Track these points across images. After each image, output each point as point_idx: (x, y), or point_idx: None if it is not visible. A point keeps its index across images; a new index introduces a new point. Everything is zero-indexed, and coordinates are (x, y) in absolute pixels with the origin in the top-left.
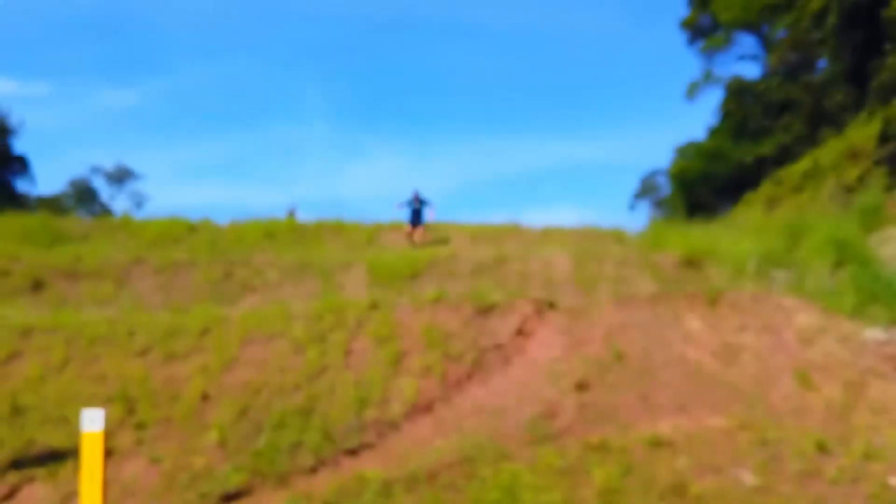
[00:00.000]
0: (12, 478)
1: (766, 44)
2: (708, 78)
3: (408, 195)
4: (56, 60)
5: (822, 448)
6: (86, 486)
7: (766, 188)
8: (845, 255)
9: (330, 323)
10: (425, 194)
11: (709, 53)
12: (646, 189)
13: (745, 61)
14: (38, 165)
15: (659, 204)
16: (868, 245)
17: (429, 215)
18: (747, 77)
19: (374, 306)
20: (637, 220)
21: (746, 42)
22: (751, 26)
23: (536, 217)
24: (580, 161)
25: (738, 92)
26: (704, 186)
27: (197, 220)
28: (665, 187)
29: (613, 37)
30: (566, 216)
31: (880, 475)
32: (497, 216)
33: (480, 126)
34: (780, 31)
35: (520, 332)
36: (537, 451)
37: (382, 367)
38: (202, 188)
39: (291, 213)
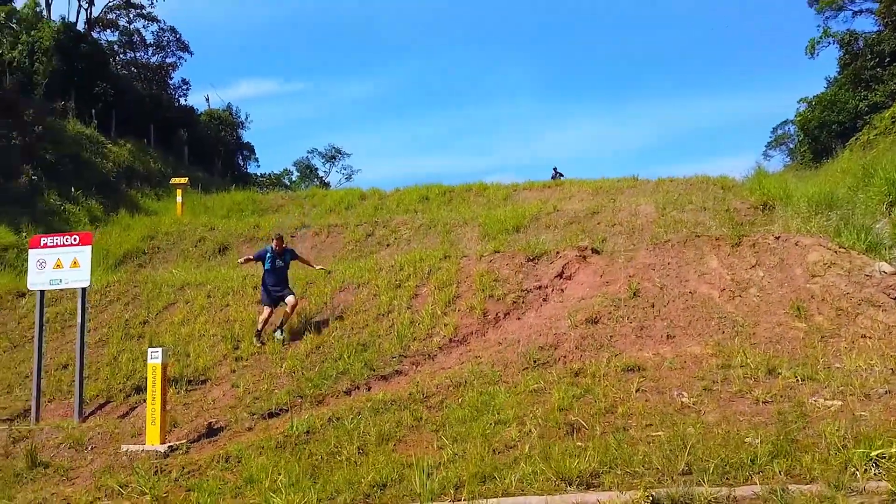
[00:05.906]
0: (133, 399)
1: None
2: (826, 35)
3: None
4: (310, 62)
5: (771, 372)
6: (150, 405)
7: (864, 133)
8: None
9: (407, 272)
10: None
11: (825, 12)
12: (778, 139)
13: (863, 16)
14: (285, 149)
15: (790, 152)
16: None
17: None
18: (862, 31)
19: (445, 257)
20: (773, 166)
21: None
22: None
23: (722, 166)
24: (757, 114)
25: (851, 45)
26: (825, 133)
27: (367, 189)
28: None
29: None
30: (744, 164)
31: (804, 396)
32: (686, 168)
33: (665, 90)
34: None
35: (560, 276)
36: (523, 377)
37: (436, 307)
38: (420, 161)
39: (558, 174)
